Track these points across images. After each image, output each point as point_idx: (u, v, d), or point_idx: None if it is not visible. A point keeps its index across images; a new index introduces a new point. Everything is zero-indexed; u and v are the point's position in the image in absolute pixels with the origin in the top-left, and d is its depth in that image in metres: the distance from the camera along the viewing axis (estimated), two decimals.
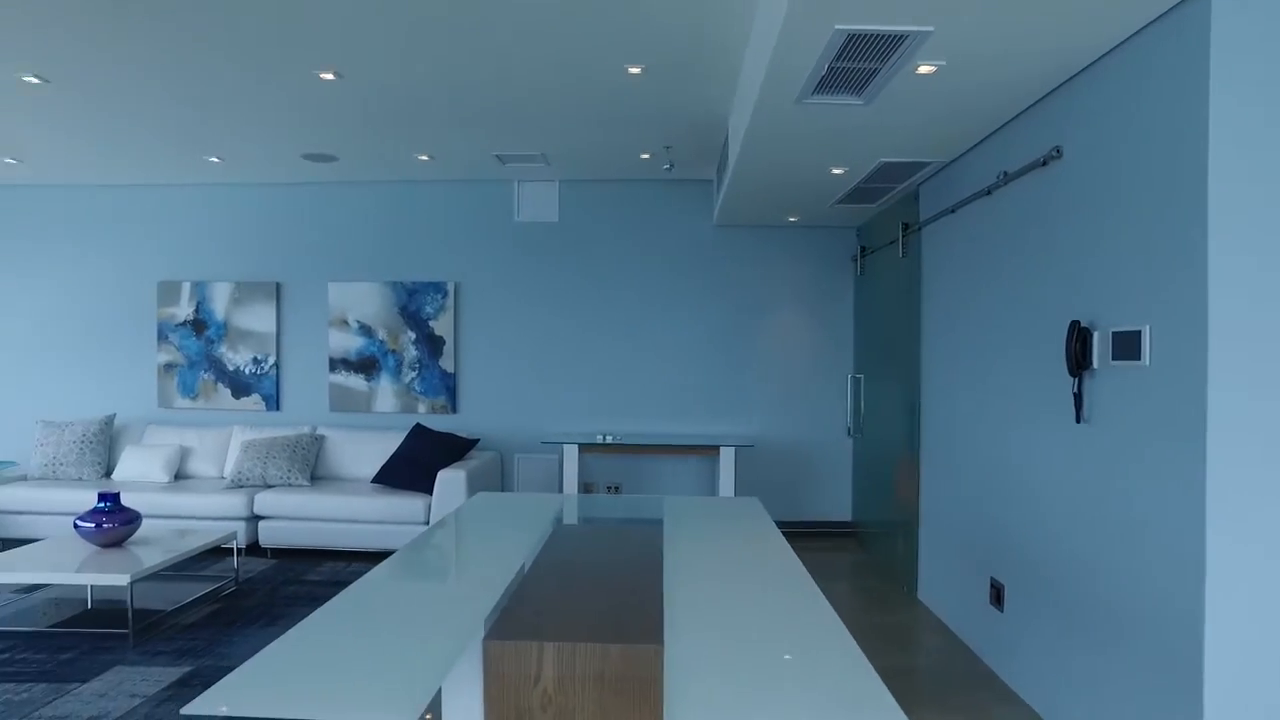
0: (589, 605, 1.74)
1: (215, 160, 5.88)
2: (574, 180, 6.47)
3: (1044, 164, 3.16)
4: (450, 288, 6.46)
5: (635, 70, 4.00)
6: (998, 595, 3.61)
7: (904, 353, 5.07)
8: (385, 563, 2.18)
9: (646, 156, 5.71)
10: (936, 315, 4.51)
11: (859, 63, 2.83)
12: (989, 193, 3.69)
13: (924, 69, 2.87)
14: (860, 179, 4.67)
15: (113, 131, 5.18)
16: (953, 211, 4.19)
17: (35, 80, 4.25)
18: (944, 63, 2.81)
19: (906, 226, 5.02)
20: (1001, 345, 3.62)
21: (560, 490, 6.33)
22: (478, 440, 6.07)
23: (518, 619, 1.64)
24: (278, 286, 6.58)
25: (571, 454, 5.81)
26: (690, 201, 6.45)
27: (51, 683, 3.49)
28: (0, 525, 5.77)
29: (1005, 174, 3.51)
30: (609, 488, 6.50)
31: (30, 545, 4.43)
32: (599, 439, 5.92)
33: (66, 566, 4.01)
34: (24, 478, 6.07)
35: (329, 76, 4.12)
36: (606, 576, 1.99)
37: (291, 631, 1.63)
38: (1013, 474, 3.50)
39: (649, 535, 2.43)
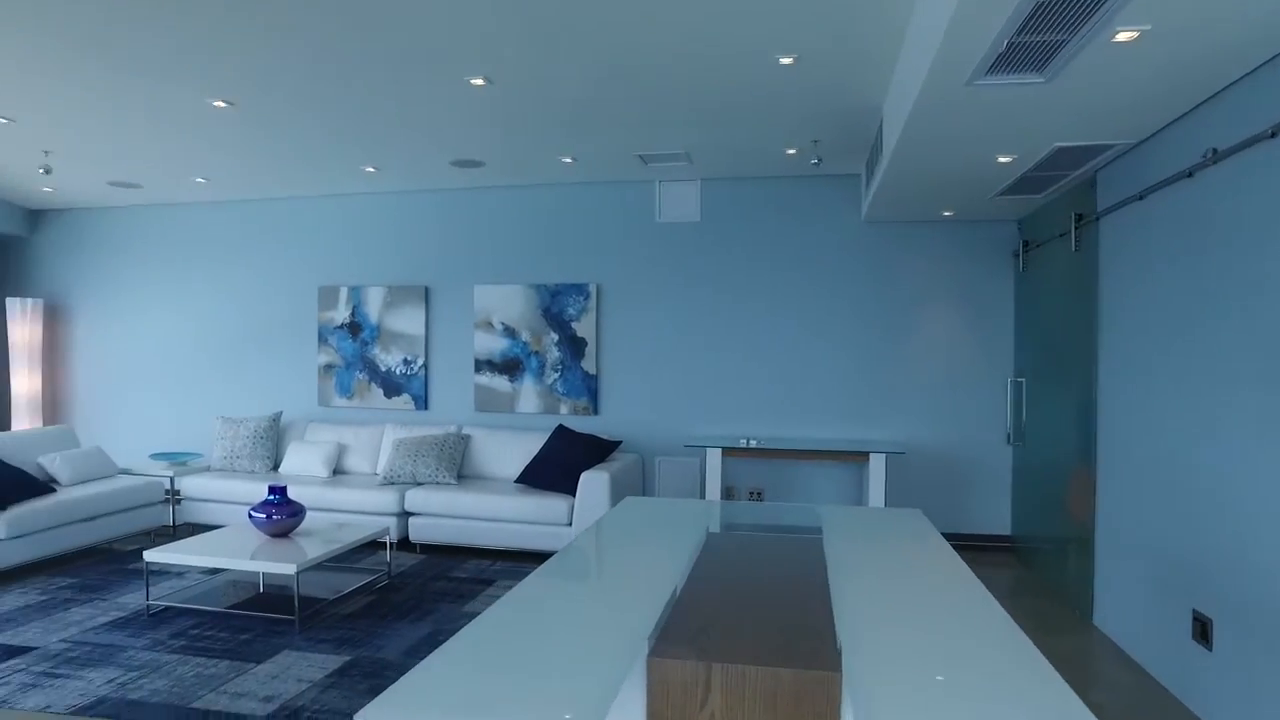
0: (755, 623, 1.61)
1: (371, 170, 6.17)
2: (716, 178, 6.36)
3: (1272, 135, 2.76)
4: (592, 289, 6.50)
5: (787, 60, 3.84)
6: (1203, 630, 3.20)
7: (1076, 354, 4.64)
8: (543, 567, 2.14)
9: (792, 152, 5.52)
10: (1118, 313, 4.08)
11: (1045, 35, 2.56)
12: (1190, 175, 3.28)
13: (1123, 36, 2.57)
14: (1029, 167, 4.31)
15: (282, 147, 5.52)
16: (1141, 198, 3.78)
17: (223, 105, 4.57)
18: (1148, 27, 2.50)
19: (1080, 217, 4.59)
20: (1209, 347, 3.21)
21: (702, 495, 6.23)
22: (620, 442, 6.06)
23: (682, 635, 1.54)
24: (426, 290, 6.83)
25: (714, 458, 5.69)
26: (837, 197, 6.19)
27: (234, 660, 3.72)
28: (188, 511, 6.28)
29: (1214, 151, 3.11)
30: (751, 493, 6.34)
31: (213, 532, 4.77)
32: (742, 443, 5.77)
33: (242, 554, 4.28)
34: (207, 468, 6.58)
35: (479, 82, 4.20)
36: (769, 591, 1.86)
37: (459, 637, 1.59)
38: (1222, 493, 3.09)
39: (808, 547, 2.27)
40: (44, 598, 4.70)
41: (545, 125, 5.01)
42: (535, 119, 4.88)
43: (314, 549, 4.38)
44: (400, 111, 4.76)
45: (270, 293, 7.28)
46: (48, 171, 5.96)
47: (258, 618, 4.27)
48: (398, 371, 6.88)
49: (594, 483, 5.41)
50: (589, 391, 6.51)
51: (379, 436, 6.61)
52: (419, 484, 5.97)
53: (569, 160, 5.85)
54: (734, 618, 1.65)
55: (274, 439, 6.65)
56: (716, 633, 1.56)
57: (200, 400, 7.49)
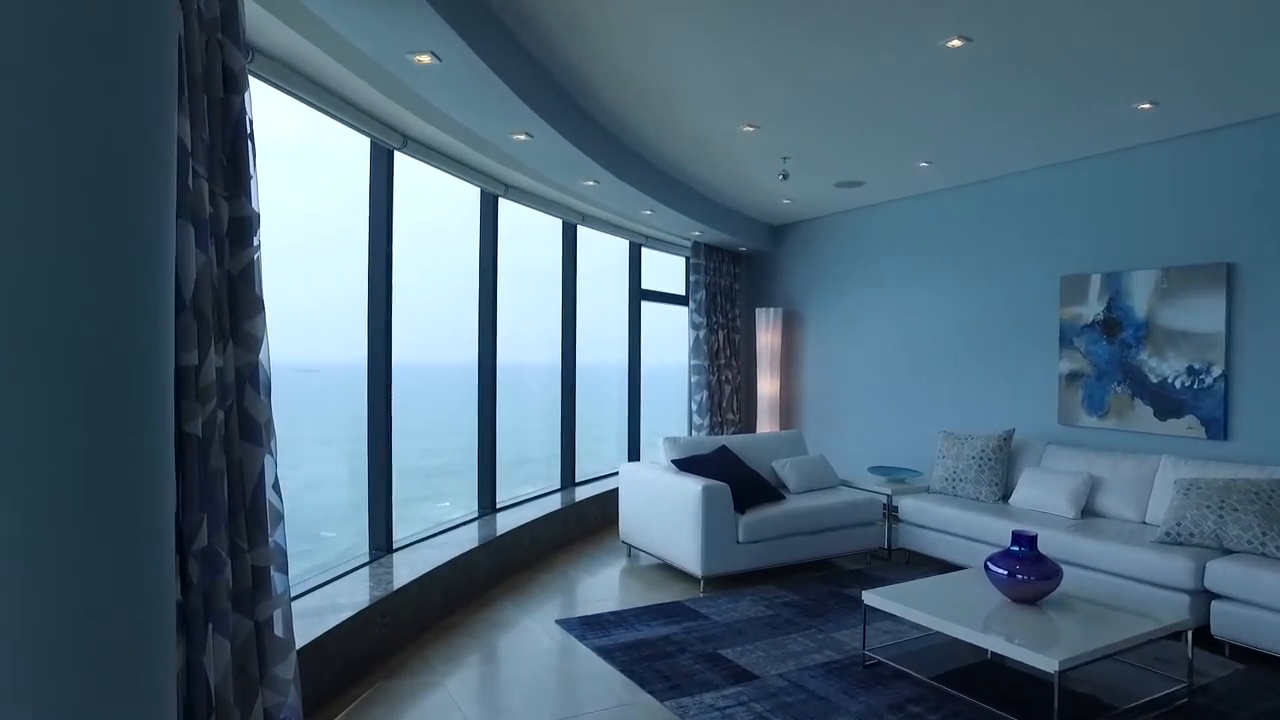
0: None
1: (1145, 107, 4.49)
2: None
3: None
4: None
5: None
6: None
7: None
8: None
9: None
10: None
11: None
12: None
13: None
14: None
15: (1023, 95, 4.33)
16: None
17: (958, 43, 3.64)
18: None
19: None
20: None
21: None
22: None
23: None
24: (1229, 270, 4.77)
25: None
26: None
27: None
28: (905, 534, 5.61)
29: None
30: None
31: (937, 579, 3.86)
32: None
33: (973, 618, 3.23)
34: (926, 489, 5.83)
35: None
36: None
37: None
38: None
39: None
40: (770, 612, 4.47)
41: None
42: None
43: (1079, 634, 3.05)
44: (1202, 12, 3.08)
45: (999, 288, 6.18)
46: (785, 177, 5.99)
47: (990, 714, 3.14)
48: (1177, 384, 4.98)
49: None
50: None
51: (1150, 471, 4.85)
52: (1228, 552, 4.04)
53: None
54: None
55: (1003, 462, 5.50)
56: None
57: (921, 410, 6.84)
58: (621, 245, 7.87)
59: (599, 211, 6.81)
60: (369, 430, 4.47)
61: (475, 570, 4.71)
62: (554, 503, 6.28)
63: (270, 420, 2.45)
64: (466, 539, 4.93)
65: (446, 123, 4.30)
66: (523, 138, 4.42)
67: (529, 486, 6.74)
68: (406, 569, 4.20)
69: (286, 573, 2.51)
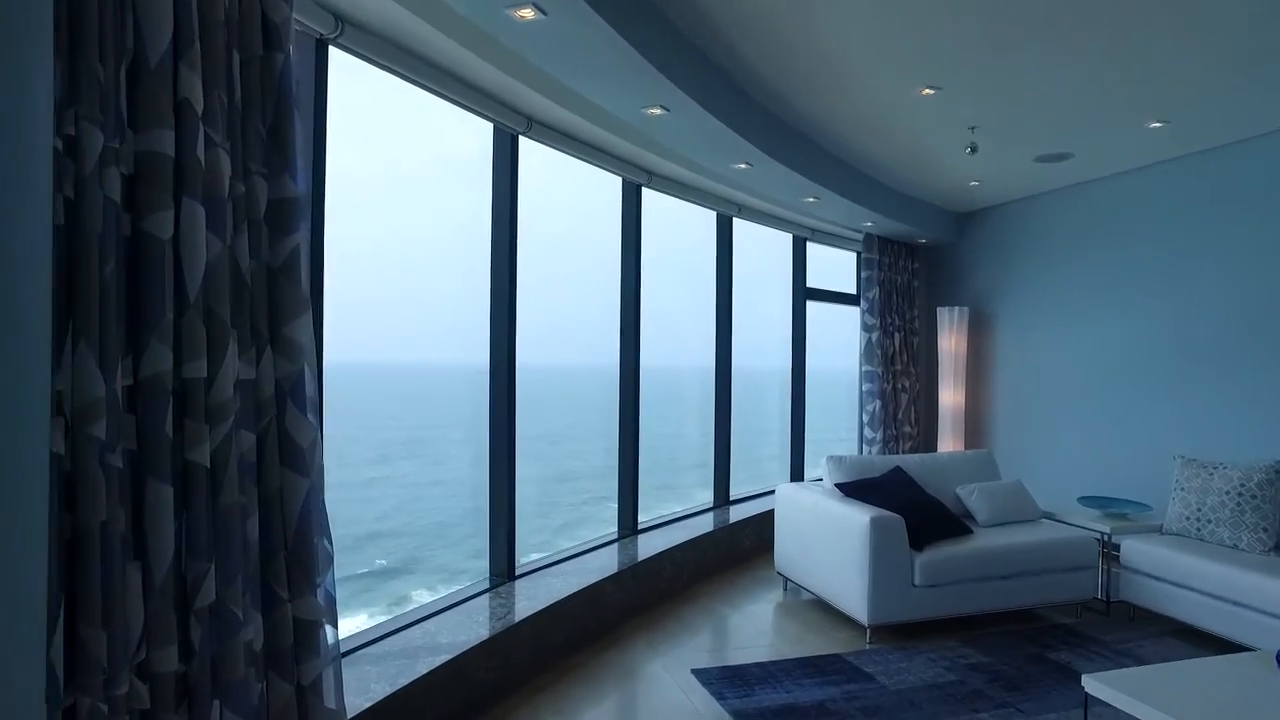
0: None
1: None
2: None
3: None
4: None
5: None
6: None
7: None
8: None
9: None
10: None
11: None
12: None
13: None
14: None
15: None
16: None
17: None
18: None
19: None
20: None
21: None
22: None
23: None
24: None
25: None
26: None
27: None
28: (1128, 584, 4.50)
29: None
30: None
31: (1188, 665, 2.88)
32: None
33: None
34: (1158, 529, 4.68)
35: None
36: None
37: None
38: None
39: None
40: (952, 678, 3.63)
41: None
42: None
43: None
44: None
45: (1251, 281, 4.90)
46: (973, 150, 5.07)
47: None
48: None
49: None
50: None
51: None
52: None
53: None
54: None
55: (1274, 499, 4.28)
56: None
57: (1145, 430, 5.62)
58: (783, 240, 7.15)
59: (756, 201, 6.15)
60: (490, 443, 4.10)
61: (607, 602, 4.21)
62: (704, 524, 5.69)
63: (317, 442, 2.03)
64: (601, 565, 4.45)
65: (577, 102, 3.84)
66: (657, 112, 3.87)
67: (678, 504, 6.20)
68: (526, 601, 3.77)
69: (337, 624, 2.08)
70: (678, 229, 6.11)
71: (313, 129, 2.75)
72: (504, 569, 4.05)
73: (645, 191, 5.31)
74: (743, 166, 4.94)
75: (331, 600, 2.07)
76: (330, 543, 2.08)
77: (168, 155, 1.67)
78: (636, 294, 5.28)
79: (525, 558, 4.39)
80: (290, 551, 1.99)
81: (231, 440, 1.77)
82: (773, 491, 5.56)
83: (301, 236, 2.01)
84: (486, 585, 3.99)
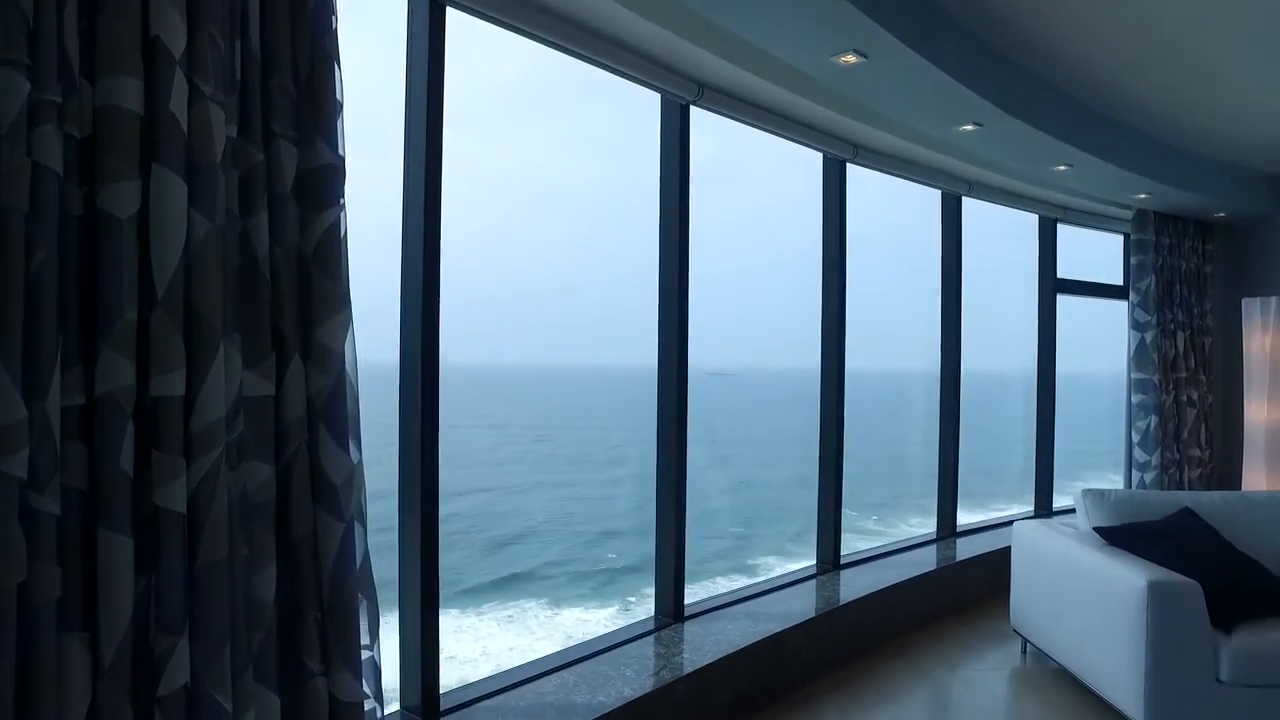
0: None
1: None
2: None
3: None
4: None
5: None
6: None
7: None
8: None
9: None
10: None
11: None
12: None
13: None
14: None
15: None
16: None
17: None
18: None
19: None
20: None
21: None
22: None
23: None
24: None
25: None
26: None
27: None
28: None
29: None
30: None
31: None
32: None
33: None
34: None
35: None
36: None
37: None
38: None
39: None
40: None
41: None
42: None
43: None
44: None
45: None
46: None
47: None
48: None
49: None
50: None
51: None
52: None
53: None
54: None
55: None
56: None
57: None
58: (1028, 221, 6.00)
59: (990, 176, 5.12)
60: (658, 467, 3.58)
61: (792, 654, 3.52)
62: (923, 560, 4.80)
63: (355, 475, 1.59)
64: (789, 609, 3.78)
65: (758, 63, 3.22)
66: (851, 59, 3.11)
67: (883, 533, 5.32)
68: (692, 650, 3.19)
69: (383, 703, 1.64)
70: (888, 210, 5.25)
71: (426, 107, 2.34)
72: (670, 608, 3.50)
73: (850, 168, 4.54)
74: (969, 128, 4.01)
75: (376, 670, 1.63)
76: (374, 590, 1.63)
77: (131, 111, 1.30)
78: (841, 288, 4.53)
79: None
80: (327, 610, 1.57)
81: (218, 477, 1.36)
82: (1010, 523, 4.55)
83: (339, 213, 1.58)
84: (652, 625, 3.47)
